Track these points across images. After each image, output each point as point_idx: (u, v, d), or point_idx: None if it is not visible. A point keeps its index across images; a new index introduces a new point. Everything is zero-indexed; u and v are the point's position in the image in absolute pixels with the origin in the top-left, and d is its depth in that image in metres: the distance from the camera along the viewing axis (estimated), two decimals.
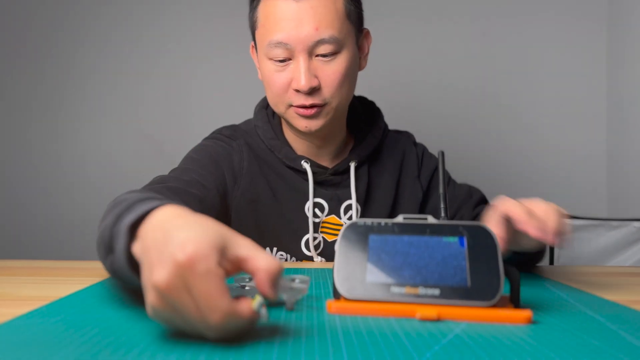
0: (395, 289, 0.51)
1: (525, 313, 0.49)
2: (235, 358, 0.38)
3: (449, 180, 1.05)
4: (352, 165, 0.95)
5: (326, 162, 0.97)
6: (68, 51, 2.02)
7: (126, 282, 0.52)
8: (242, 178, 0.93)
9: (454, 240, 0.54)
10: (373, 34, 0.96)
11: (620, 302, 0.59)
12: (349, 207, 0.95)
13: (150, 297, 0.41)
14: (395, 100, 2.00)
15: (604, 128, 1.92)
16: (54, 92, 2.02)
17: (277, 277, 0.42)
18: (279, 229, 0.94)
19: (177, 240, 0.40)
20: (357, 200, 0.95)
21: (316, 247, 0.94)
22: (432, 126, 1.95)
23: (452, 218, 1.00)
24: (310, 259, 0.93)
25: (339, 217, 0.95)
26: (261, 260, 0.42)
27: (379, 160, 1.00)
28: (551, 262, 1.53)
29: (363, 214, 0.96)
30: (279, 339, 0.43)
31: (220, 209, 0.89)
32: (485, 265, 0.52)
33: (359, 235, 0.55)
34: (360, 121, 1.01)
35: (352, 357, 0.38)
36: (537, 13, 1.93)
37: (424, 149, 1.06)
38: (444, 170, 0.64)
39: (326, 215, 0.94)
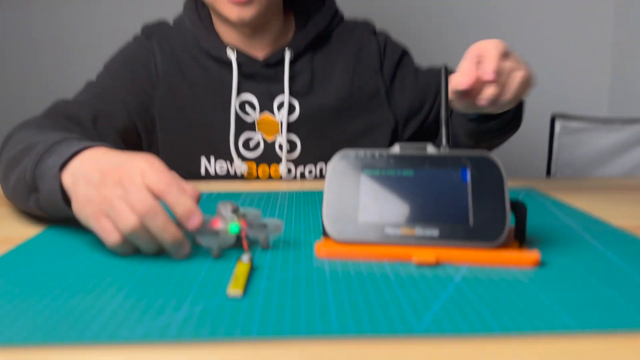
0: (390, 230, 0.47)
1: (532, 255, 0.45)
2: (220, 308, 0.34)
3: (416, 71, 0.95)
4: (287, 55, 0.87)
5: (261, 54, 0.89)
6: None
7: (55, 215, 0.55)
8: (159, 83, 0.87)
9: (455, 173, 0.48)
10: None
11: (631, 229, 0.55)
12: (283, 104, 0.87)
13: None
14: (396, 15, 1.86)
15: (612, 15, 1.79)
16: None
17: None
18: (210, 134, 0.87)
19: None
20: (295, 95, 0.88)
21: (255, 147, 0.88)
22: (431, 38, 1.81)
23: (427, 104, 0.93)
24: (253, 161, 0.87)
25: (272, 114, 0.88)
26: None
27: (328, 50, 0.91)
28: (548, 171, 1.50)
29: (304, 109, 0.88)
30: (264, 290, 0.38)
31: (127, 122, 0.84)
32: (490, 201, 0.47)
33: (350, 169, 0.50)
34: (309, 10, 0.92)
35: (342, 317, 0.35)
36: None
37: (386, 37, 0.96)
38: (446, 89, 0.57)
39: (259, 113, 0.88)
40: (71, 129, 0.73)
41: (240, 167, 0.86)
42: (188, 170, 0.88)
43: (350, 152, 0.51)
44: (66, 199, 0.51)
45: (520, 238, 0.49)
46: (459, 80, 0.60)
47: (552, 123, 1.53)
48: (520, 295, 0.39)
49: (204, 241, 0.46)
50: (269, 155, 0.88)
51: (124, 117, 0.83)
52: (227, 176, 0.88)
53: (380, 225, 0.47)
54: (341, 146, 0.90)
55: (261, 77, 0.87)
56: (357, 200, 0.48)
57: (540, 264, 0.45)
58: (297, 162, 0.88)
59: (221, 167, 0.88)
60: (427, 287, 0.40)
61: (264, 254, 0.48)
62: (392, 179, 0.49)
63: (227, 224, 0.47)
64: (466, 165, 0.49)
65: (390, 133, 0.92)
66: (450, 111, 0.59)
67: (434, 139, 0.95)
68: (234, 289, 0.38)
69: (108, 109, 0.82)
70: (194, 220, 0.46)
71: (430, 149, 0.50)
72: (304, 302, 0.37)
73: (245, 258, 0.43)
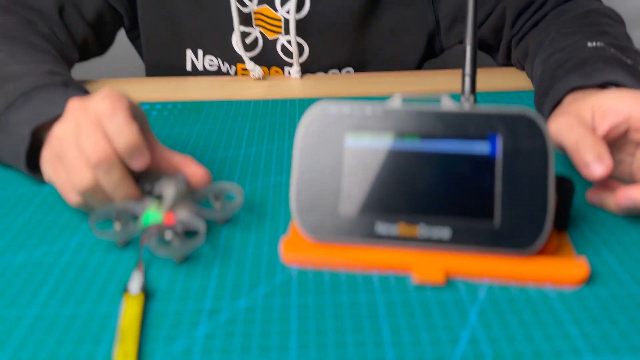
0: (383, 227, 0.34)
1: (578, 269, 0.32)
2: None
3: None
4: None
5: None
6: None
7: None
8: None
9: (480, 143, 0.34)
10: None
11: None
12: None
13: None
14: None
15: None
16: None
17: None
18: (199, 25, 0.69)
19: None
20: None
21: (252, 45, 0.70)
22: None
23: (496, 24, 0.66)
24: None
25: (274, 8, 0.67)
26: None
27: None
28: None
29: (316, 6, 0.66)
30: (204, 328, 0.27)
31: (101, 4, 0.66)
32: (527, 187, 0.33)
33: (329, 132, 0.35)
34: None
35: None
36: None
37: None
38: (475, 5, 0.38)
39: (257, 4, 0.67)
40: (35, 27, 0.60)
41: (231, 61, 0.70)
42: (172, 64, 0.72)
43: (330, 106, 0.35)
44: (30, 163, 0.43)
45: (560, 224, 0.36)
46: (590, 165, 0.37)
47: None
48: (562, 354, 0.27)
49: (96, 233, 0.34)
50: (269, 57, 0.70)
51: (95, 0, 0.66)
52: (218, 73, 0.72)
53: (370, 220, 0.34)
54: (360, 51, 0.70)
55: None
56: (338, 181, 0.35)
57: (587, 282, 0.33)
58: (303, 68, 0.70)
59: (211, 63, 0.72)
60: (430, 338, 0.29)
61: (209, 242, 0.36)
62: (387, 150, 0.34)
63: (143, 209, 0.35)
64: (497, 129, 0.34)
65: (426, 39, 0.70)
66: (475, 49, 0.38)
67: (492, 53, 0.73)
68: None
69: None
70: (140, 159, 0.35)
71: (446, 101, 0.35)
72: (256, 342, 0.26)
73: (135, 287, 0.31)
